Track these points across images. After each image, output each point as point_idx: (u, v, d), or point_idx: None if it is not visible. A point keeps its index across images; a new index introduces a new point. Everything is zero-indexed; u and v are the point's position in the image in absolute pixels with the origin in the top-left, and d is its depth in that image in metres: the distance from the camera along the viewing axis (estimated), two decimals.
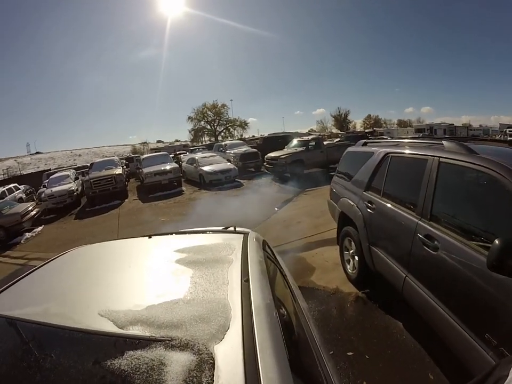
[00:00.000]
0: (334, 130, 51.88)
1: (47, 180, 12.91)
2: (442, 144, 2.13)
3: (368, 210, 2.80)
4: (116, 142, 58.60)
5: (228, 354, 0.67)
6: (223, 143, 18.30)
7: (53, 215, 10.25)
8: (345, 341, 2.40)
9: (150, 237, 1.59)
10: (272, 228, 5.62)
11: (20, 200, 12.21)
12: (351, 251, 3.25)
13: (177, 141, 48.36)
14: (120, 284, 1.08)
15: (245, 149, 14.94)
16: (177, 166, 12.64)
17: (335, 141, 19.11)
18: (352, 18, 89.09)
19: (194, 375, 0.62)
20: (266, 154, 12.51)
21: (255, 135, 38.76)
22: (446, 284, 1.73)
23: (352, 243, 3.17)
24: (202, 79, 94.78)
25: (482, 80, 76.39)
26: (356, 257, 3.11)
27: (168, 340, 0.72)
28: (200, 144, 38.11)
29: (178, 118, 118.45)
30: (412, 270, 2.08)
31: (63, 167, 21.27)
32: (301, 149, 11.93)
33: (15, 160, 42.15)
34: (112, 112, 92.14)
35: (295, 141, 12.89)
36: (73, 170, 14.48)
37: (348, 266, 3.35)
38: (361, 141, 3.78)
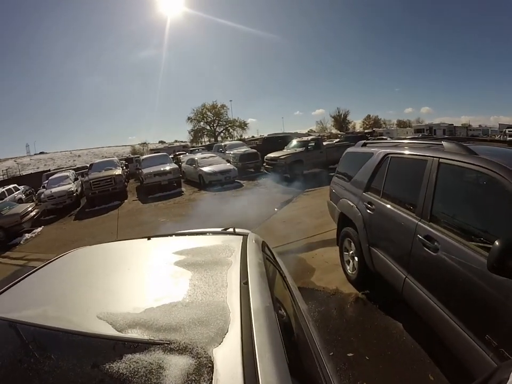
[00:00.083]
0: (334, 131, 51.90)
1: (47, 181, 12.90)
2: (442, 144, 2.13)
3: (368, 211, 2.80)
4: (115, 142, 58.66)
5: (227, 357, 0.67)
6: (222, 144, 18.26)
7: (52, 215, 10.24)
8: (345, 342, 2.40)
9: (149, 238, 1.59)
10: (272, 228, 5.62)
11: (20, 201, 12.22)
12: (351, 252, 3.24)
13: (176, 141, 48.33)
14: (119, 286, 1.08)
15: (245, 149, 14.94)
16: (177, 166, 12.64)
17: (334, 141, 19.18)
18: (352, 18, 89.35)
19: (193, 378, 0.62)
20: (266, 155, 12.53)
21: (255, 136, 38.92)
22: (446, 284, 1.73)
23: (352, 244, 3.17)
24: (202, 80, 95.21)
25: (481, 80, 76.72)
26: (356, 258, 3.11)
27: (166, 343, 0.72)
28: (199, 144, 38.13)
29: (177, 119, 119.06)
30: (412, 271, 2.08)
31: (63, 168, 21.23)
32: (300, 149, 11.95)
33: (15, 161, 42.15)
34: (111, 113, 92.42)
35: (294, 142, 12.90)
36: (73, 171, 14.45)
37: (348, 267, 3.35)
38: (360, 141, 3.77)
